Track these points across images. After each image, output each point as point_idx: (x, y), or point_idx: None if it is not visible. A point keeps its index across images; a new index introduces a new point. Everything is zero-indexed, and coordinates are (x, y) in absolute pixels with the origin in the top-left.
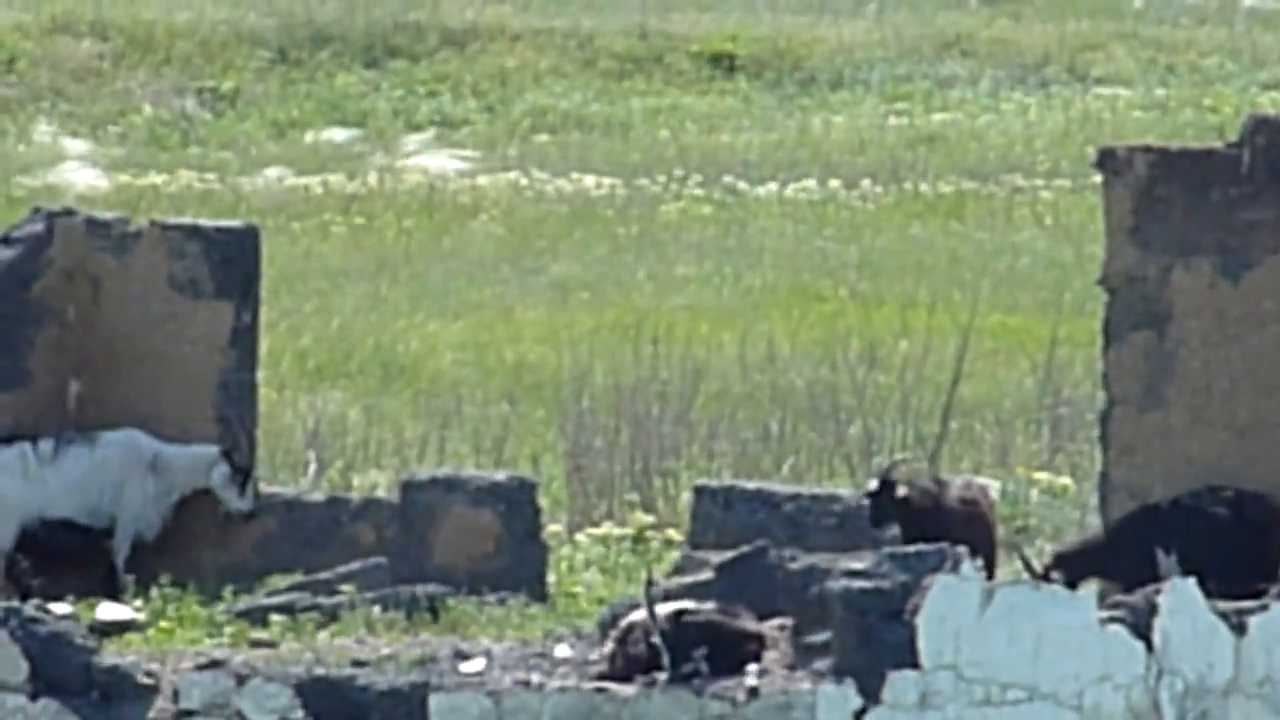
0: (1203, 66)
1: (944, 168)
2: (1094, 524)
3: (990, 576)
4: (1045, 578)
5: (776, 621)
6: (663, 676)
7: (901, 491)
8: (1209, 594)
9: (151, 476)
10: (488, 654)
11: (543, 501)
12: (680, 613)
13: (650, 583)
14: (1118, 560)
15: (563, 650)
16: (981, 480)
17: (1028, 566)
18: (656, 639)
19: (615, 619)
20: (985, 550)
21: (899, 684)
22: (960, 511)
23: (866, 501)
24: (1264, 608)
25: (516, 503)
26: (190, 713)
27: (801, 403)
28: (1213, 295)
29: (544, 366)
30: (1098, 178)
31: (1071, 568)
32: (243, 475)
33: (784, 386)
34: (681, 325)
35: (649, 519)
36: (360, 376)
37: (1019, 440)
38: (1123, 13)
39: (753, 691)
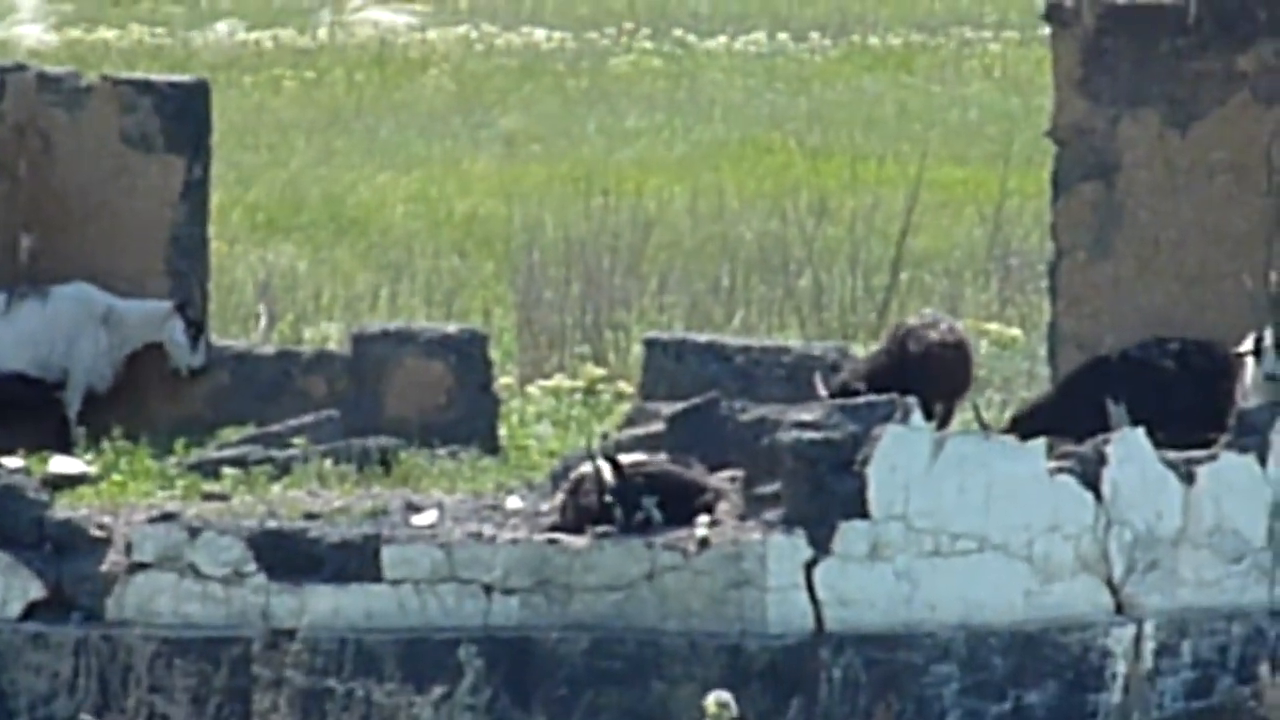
0: None
1: (893, 20)
2: (1043, 374)
3: (949, 415)
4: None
5: (727, 473)
6: (613, 528)
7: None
8: (1158, 444)
9: (104, 330)
10: (439, 506)
11: (494, 354)
12: (631, 464)
13: (602, 435)
14: (1070, 414)
15: (514, 502)
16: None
17: (978, 418)
18: (607, 491)
19: (567, 471)
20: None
21: (849, 534)
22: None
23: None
24: (1212, 457)
25: (468, 355)
26: (143, 565)
27: (752, 254)
28: (1161, 146)
29: (494, 219)
30: (1046, 30)
31: (1027, 429)
32: (195, 329)
33: (734, 238)
34: (632, 178)
35: (600, 371)
36: (311, 229)
37: (968, 292)
38: None
39: (703, 542)
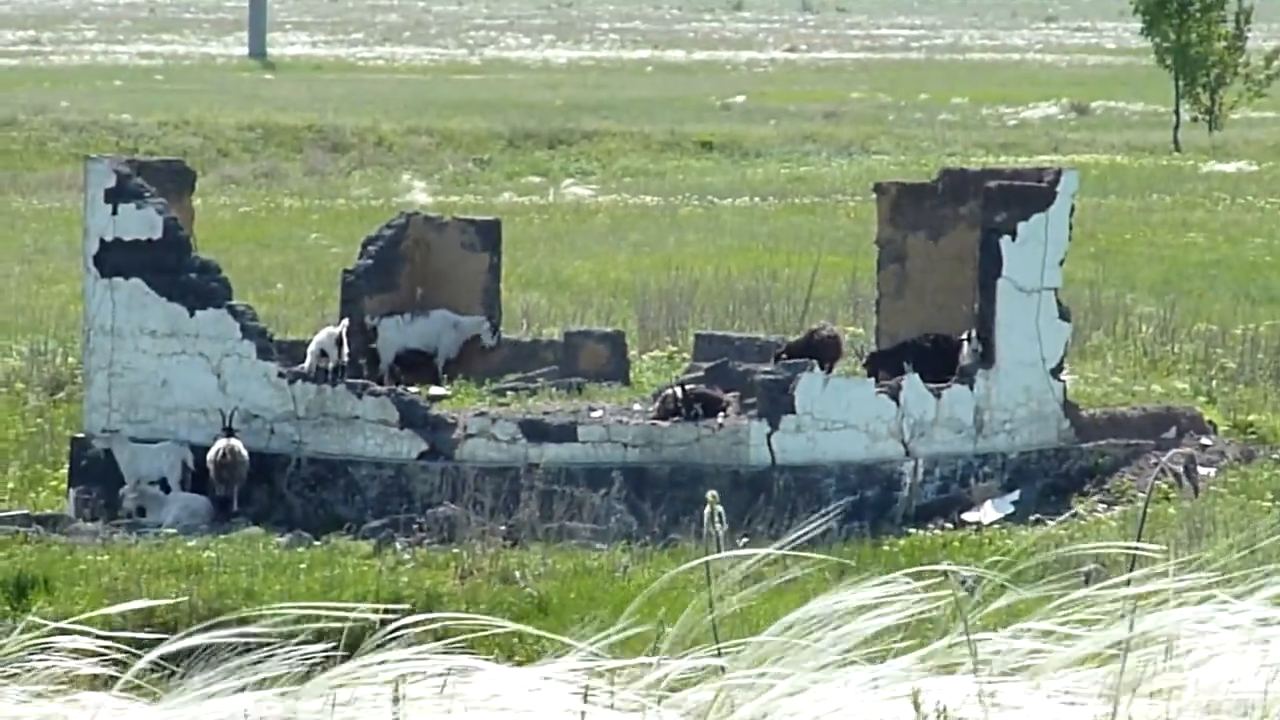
0: None
1: (805, 192)
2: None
3: (831, 369)
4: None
5: (733, 394)
6: (680, 418)
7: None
8: (924, 381)
9: (453, 331)
10: (604, 408)
11: (628, 340)
12: (689, 389)
13: (676, 378)
14: (889, 366)
15: (636, 407)
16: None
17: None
18: (678, 401)
19: (659, 393)
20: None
21: (786, 421)
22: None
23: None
24: (947, 387)
25: (618, 342)
26: (471, 436)
27: (741, 296)
28: (922, 248)
29: (627, 282)
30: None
31: (869, 370)
32: (493, 329)
33: (735, 289)
34: (690, 261)
35: (674, 348)
36: (576, 289)
37: (839, 312)
38: None
39: (720, 425)
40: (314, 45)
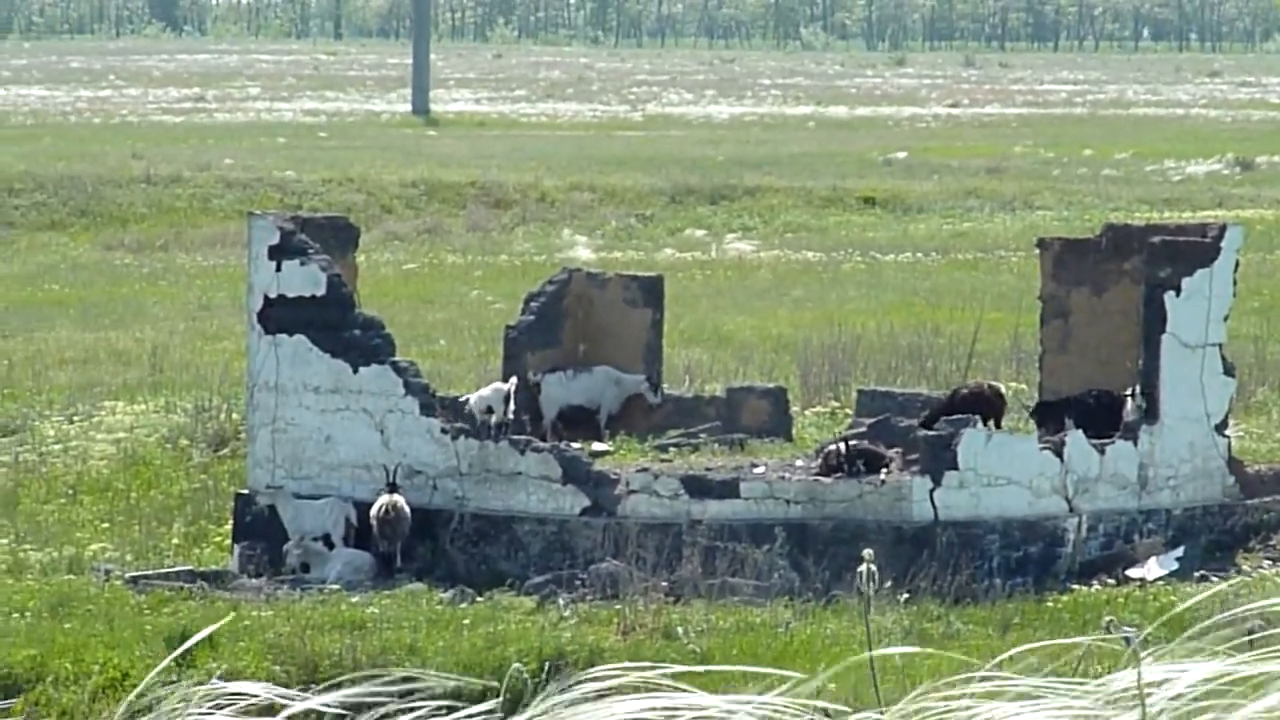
0: None
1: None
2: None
3: (999, 425)
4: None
5: (895, 450)
6: (843, 474)
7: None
8: (1089, 438)
9: (616, 387)
10: (765, 464)
11: (790, 397)
12: (851, 445)
13: (839, 434)
14: (1051, 420)
15: (799, 463)
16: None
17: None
18: (842, 457)
19: (822, 449)
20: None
21: (949, 477)
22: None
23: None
24: (1112, 442)
25: (779, 397)
26: (638, 491)
27: (904, 351)
28: (1087, 302)
29: (789, 337)
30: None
31: (1039, 416)
32: (655, 387)
33: (899, 345)
34: (851, 317)
35: (836, 404)
36: (709, 342)
37: (1001, 368)
38: None
39: (883, 481)
40: (477, 102)
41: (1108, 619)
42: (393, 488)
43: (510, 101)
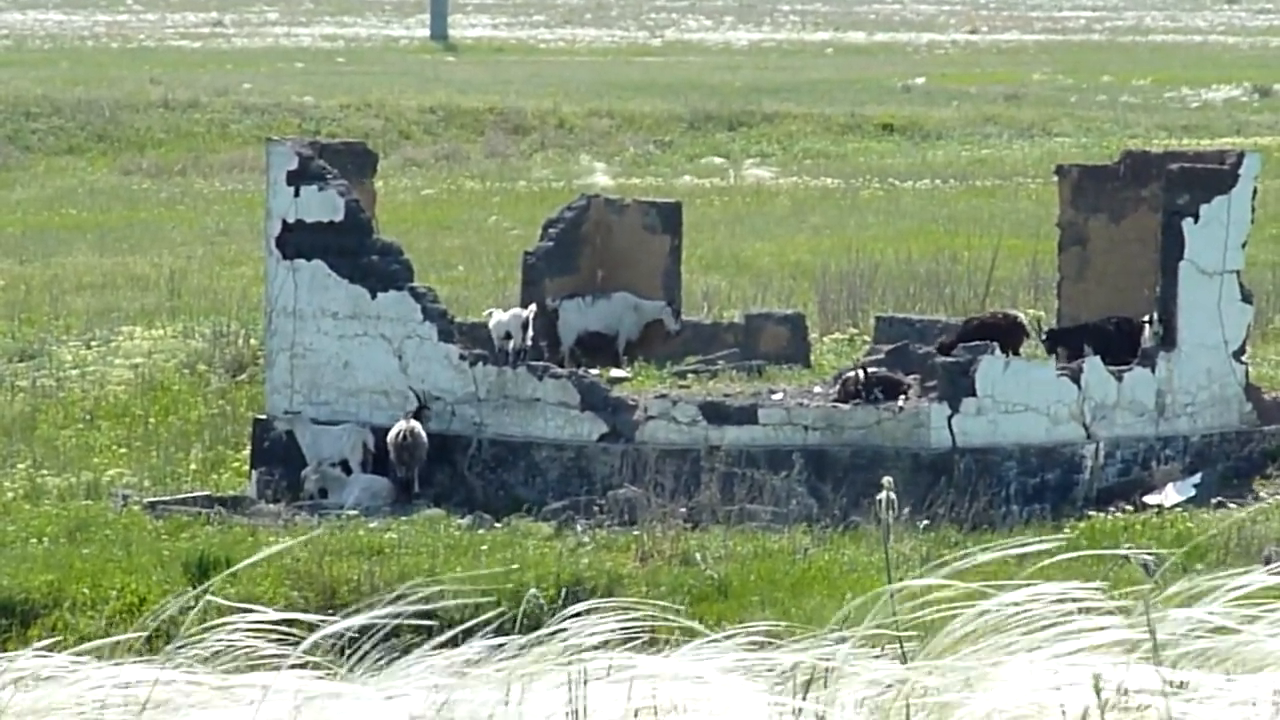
0: None
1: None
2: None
3: (1017, 353)
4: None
5: (913, 377)
6: (860, 401)
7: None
8: (1106, 364)
9: (634, 313)
10: (784, 390)
11: (808, 323)
12: (870, 372)
13: (857, 360)
14: (1067, 345)
15: (818, 389)
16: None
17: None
18: (859, 384)
19: (839, 375)
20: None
21: (967, 404)
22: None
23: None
24: (1129, 369)
25: (798, 324)
26: (652, 417)
27: (921, 279)
28: (1105, 229)
29: (806, 264)
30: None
31: (1051, 343)
32: (675, 313)
33: (916, 272)
34: (870, 244)
35: (855, 330)
36: (730, 270)
37: (1020, 294)
38: None
39: (901, 408)
40: (495, 27)
41: (1126, 547)
42: (422, 411)
43: (529, 27)
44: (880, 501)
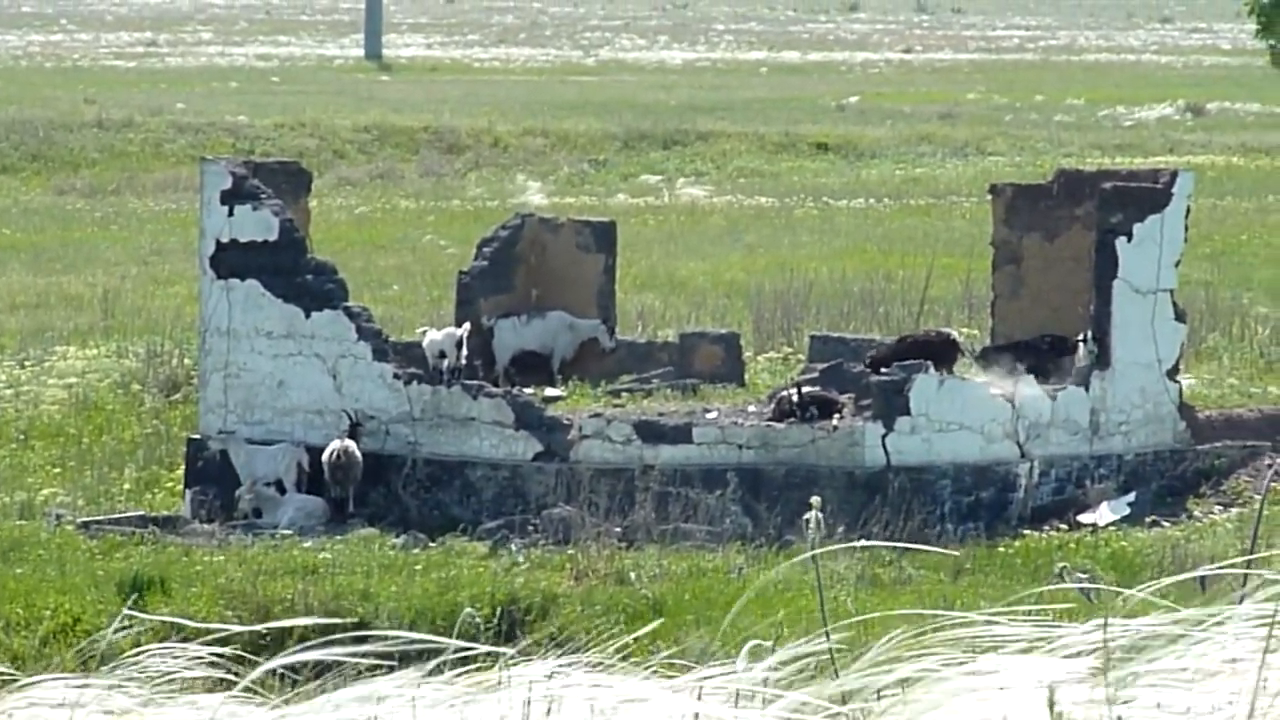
0: None
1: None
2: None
3: (951, 371)
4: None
5: (847, 396)
6: (795, 420)
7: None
8: (1042, 382)
9: (570, 333)
10: (719, 410)
11: (743, 342)
12: (804, 390)
13: (791, 379)
14: (1001, 364)
15: (752, 408)
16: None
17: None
18: (793, 403)
19: (774, 394)
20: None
21: (901, 423)
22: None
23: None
24: (1061, 390)
25: (732, 343)
26: (585, 436)
27: (856, 298)
28: (1036, 249)
29: (740, 283)
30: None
31: (984, 360)
32: (610, 332)
33: (851, 290)
34: (804, 263)
35: (789, 349)
36: (662, 289)
37: (954, 313)
38: None
39: (835, 427)
40: (429, 47)
41: (1060, 566)
42: (354, 429)
43: (463, 46)
44: (806, 521)
